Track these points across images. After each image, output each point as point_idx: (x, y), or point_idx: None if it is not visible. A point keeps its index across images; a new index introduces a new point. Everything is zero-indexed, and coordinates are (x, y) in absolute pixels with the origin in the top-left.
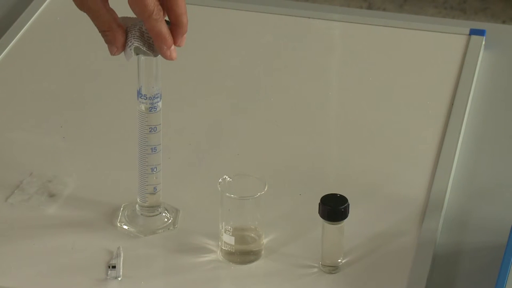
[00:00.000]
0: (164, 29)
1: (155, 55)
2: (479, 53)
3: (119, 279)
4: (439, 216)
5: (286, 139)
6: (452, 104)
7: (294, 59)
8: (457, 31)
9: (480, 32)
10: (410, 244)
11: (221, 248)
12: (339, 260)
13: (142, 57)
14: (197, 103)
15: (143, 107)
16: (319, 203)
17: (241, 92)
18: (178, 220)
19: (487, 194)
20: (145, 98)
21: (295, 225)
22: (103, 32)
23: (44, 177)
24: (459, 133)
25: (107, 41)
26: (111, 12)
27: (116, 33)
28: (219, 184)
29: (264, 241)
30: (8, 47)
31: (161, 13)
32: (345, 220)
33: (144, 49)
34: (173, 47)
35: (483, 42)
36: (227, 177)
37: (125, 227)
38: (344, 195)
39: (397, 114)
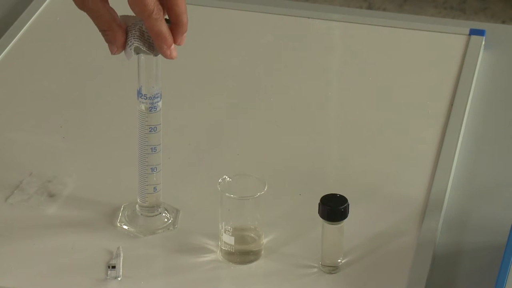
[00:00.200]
0: (164, 28)
1: (155, 55)
2: (479, 53)
3: (119, 279)
4: (439, 216)
5: (286, 139)
6: (452, 104)
7: (294, 59)
8: (457, 31)
9: (480, 32)
10: (410, 244)
11: (221, 248)
12: (339, 260)
13: (142, 57)
14: (197, 103)
15: (143, 107)
16: (319, 203)
17: (241, 92)
18: (178, 220)
19: (487, 194)
20: (145, 98)
21: (295, 225)
22: (103, 31)
23: (44, 177)
24: (459, 133)
25: (107, 41)
26: (111, 11)
27: (116, 33)
28: (219, 184)
29: (264, 241)
30: (8, 47)
31: (161, 12)
32: (345, 220)
33: (144, 48)
34: (173, 46)
35: (483, 42)
36: (227, 177)
37: (125, 227)
38: (344, 195)
39: (397, 114)
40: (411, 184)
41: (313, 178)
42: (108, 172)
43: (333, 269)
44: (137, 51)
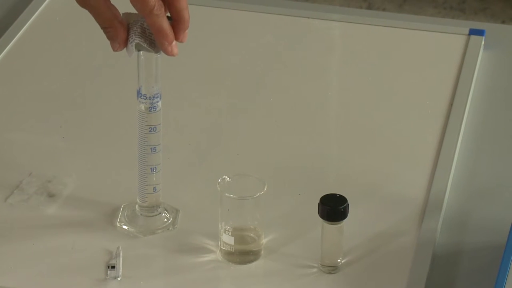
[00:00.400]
0: (165, 24)
1: (157, 52)
2: (479, 53)
3: (119, 279)
4: (438, 216)
5: (286, 139)
6: (452, 104)
7: (294, 59)
8: (457, 31)
9: (480, 32)
10: (410, 244)
11: (221, 248)
12: (339, 260)
13: (141, 57)
14: (197, 103)
15: (143, 107)
16: (319, 203)
17: (241, 92)
18: (178, 220)
19: (487, 194)
20: (145, 98)
21: (294, 225)
22: (104, 28)
23: (44, 177)
24: (459, 133)
25: (109, 38)
26: (113, 8)
27: (117, 30)
28: (219, 184)
29: (264, 241)
30: (8, 47)
31: (162, 8)
32: (345, 220)
33: (145, 45)
34: (174, 43)
35: (483, 42)
36: (226, 177)
37: (124, 227)
38: (344, 195)
39: (396, 114)
40: (410, 184)
41: (312, 178)
42: (108, 172)
43: (332, 269)
44: (138, 48)
